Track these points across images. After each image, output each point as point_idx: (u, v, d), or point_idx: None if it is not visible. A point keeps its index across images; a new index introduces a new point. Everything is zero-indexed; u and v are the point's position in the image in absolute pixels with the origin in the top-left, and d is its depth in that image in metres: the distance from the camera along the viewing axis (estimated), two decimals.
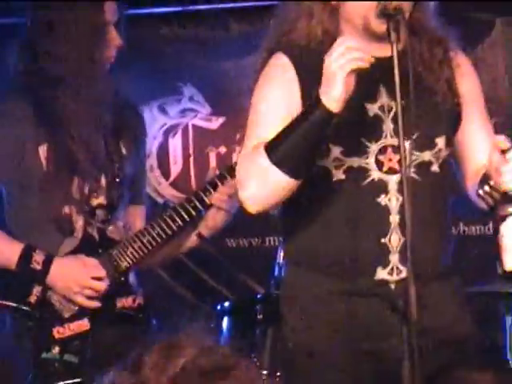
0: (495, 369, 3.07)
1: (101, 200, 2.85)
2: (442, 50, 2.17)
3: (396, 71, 1.88)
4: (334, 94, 1.90)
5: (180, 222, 2.84)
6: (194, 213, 2.82)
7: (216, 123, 4.12)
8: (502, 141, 1.91)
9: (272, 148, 1.96)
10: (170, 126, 4.16)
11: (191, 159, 4.14)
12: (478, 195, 2.02)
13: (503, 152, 1.89)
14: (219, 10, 4.17)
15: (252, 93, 2.18)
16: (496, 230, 1.97)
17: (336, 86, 1.89)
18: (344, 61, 1.89)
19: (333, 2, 2.11)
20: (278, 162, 1.94)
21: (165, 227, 2.83)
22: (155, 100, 4.18)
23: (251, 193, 2.03)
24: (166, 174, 4.16)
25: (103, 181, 2.85)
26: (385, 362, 2.06)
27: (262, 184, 2.00)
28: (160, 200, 4.11)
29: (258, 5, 3.96)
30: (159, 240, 2.86)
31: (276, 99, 2.12)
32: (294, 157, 1.97)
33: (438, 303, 2.09)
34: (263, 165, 1.96)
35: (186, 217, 2.81)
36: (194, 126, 4.16)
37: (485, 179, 1.98)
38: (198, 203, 2.82)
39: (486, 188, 1.96)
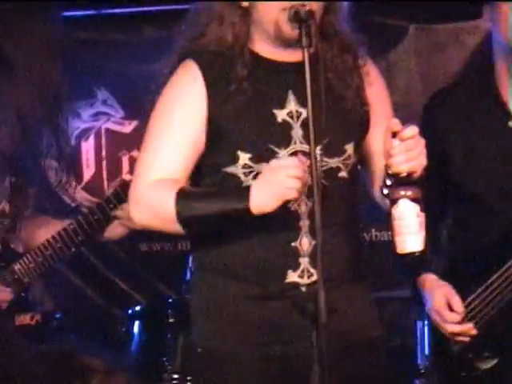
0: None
1: (4, 207, 2.77)
2: (352, 57, 2.18)
3: (307, 76, 1.87)
4: (264, 208, 1.94)
5: (83, 237, 2.80)
6: (97, 226, 2.80)
7: (129, 127, 4.14)
8: (394, 123, 1.89)
9: (184, 206, 1.98)
10: (83, 130, 4.16)
11: (104, 163, 4.13)
12: (384, 194, 2.02)
13: (394, 135, 1.89)
14: (133, 13, 4.17)
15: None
16: (389, 214, 1.96)
17: (271, 203, 1.93)
18: (292, 186, 1.92)
19: (243, 4, 2.10)
20: (184, 222, 1.98)
21: (67, 241, 2.79)
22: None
23: (143, 220, 2.08)
24: (78, 177, 4.12)
25: (7, 183, 2.78)
26: (295, 365, 2.07)
27: (157, 221, 2.06)
28: (72, 204, 4.09)
29: (171, 9, 3.92)
30: (61, 254, 2.81)
31: (178, 124, 2.12)
32: (200, 223, 2.03)
33: (348, 307, 2.12)
34: (168, 213, 1.98)
35: (89, 232, 2.78)
36: (106, 129, 4.16)
37: (385, 173, 1.98)
38: (101, 216, 2.79)
39: (388, 181, 1.97)
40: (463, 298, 2.32)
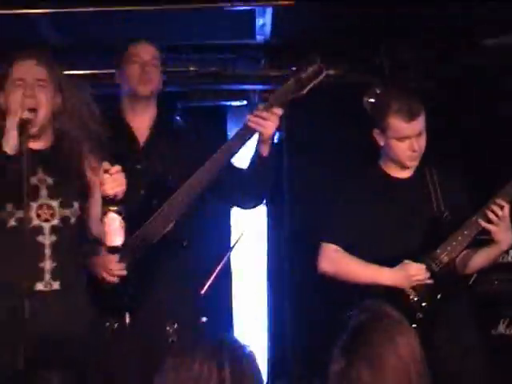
0: None
1: None
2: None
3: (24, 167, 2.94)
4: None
5: None
6: None
7: None
8: (105, 164, 3.04)
9: None
10: None
11: None
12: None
13: (106, 171, 3.01)
14: None
15: None
16: (101, 221, 3.11)
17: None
18: None
19: None
20: None
21: None
22: None
23: None
24: None
25: None
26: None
27: None
28: None
29: None
30: None
31: None
32: None
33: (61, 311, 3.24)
34: None
35: None
36: None
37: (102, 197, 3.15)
38: None
39: (102, 202, 3.13)
40: None
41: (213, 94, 5.50)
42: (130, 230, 3.34)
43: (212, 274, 4.43)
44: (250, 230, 5.64)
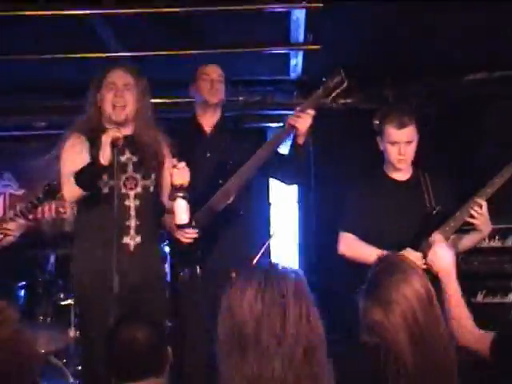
0: None
1: None
2: None
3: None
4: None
5: None
6: None
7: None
8: (174, 161, 3.63)
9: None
10: None
11: None
12: (169, 198, 3.69)
13: (174, 166, 3.58)
14: None
15: None
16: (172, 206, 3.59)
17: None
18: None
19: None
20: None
21: None
22: None
23: None
24: None
25: None
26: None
27: None
28: None
29: None
30: None
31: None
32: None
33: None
34: None
35: None
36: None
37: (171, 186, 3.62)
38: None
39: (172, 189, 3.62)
40: None
41: (257, 118, 6.09)
42: (200, 201, 3.86)
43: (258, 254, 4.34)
44: (282, 226, 6.28)
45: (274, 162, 4.17)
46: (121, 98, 3.75)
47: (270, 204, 6.24)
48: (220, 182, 4.08)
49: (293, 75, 5.69)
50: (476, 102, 5.58)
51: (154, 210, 3.86)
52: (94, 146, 3.60)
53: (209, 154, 4.26)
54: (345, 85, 4.02)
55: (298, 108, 4.05)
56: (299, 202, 6.30)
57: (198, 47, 4.83)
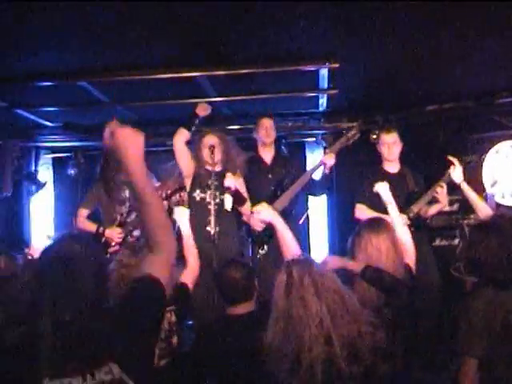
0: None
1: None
2: None
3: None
4: None
5: None
6: None
7: None
8: None
9: None
10: None
11: None
12: None
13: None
14: None
15: None
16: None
17: None
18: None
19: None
20: None
21: None
22: None
23: None
24: None
25: None
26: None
27: None
28: None
29: None
30: None
31: None
32: None
33: None
34: None
35: None
36: None
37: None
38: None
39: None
40: None
41: (298, 136, 7.33)
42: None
43: (301, 218, 5.97)
44: (315, 209, 7.40)
45: (310, 184, 5.47)
46: (212, 154, 5.15)
47: (307, 208, 7.01)
48: (278, 193, 5.41)
49: (321, 108, 6.81)
50: (431, 124, 6.64)
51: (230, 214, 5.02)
52: None
53: (270, 176, 5.60)
54: (358, 135, 5.47)
55: (327, 150, 5.45)
56: (328, 201, 7.37)
57: (260, 93, 5.97)
